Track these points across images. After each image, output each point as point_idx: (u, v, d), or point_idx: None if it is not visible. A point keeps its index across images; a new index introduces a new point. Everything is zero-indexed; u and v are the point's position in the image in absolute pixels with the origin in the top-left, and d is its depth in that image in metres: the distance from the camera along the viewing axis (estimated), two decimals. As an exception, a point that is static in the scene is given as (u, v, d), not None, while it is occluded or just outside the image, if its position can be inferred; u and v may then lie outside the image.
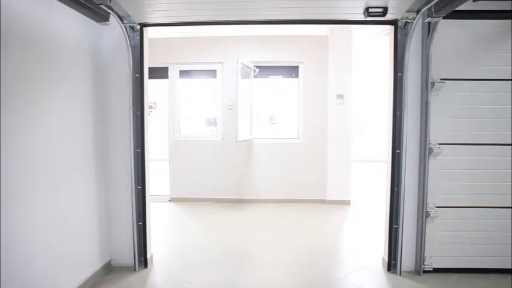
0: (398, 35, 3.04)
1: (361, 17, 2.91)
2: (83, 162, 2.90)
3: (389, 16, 2.90)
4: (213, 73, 5.78)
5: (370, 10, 2.78)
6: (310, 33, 5.55)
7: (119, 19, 2.89)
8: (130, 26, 3.07)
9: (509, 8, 2.88)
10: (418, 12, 2.82)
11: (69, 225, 2.69)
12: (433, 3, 2.57)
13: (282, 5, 2.86)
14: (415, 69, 3.06)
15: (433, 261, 3.12)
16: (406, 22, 2.96)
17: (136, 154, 3.17)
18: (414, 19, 2.88)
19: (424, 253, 3.11)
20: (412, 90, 3.06)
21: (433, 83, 3.00)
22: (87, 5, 2.50)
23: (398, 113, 3.09)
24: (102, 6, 2.58)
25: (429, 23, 2.88)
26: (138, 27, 3.11)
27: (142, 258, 3.28)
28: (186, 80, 5.95)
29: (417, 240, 3.14)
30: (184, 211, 5.32)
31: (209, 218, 4.99)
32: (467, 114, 3.06)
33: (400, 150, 3.09)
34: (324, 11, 2.98)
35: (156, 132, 7.17)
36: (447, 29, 2.96)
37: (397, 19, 3.00)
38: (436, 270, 3.11)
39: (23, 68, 2.16)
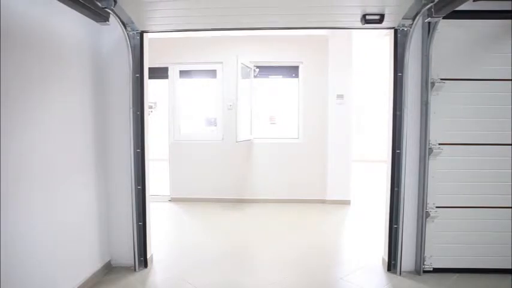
0: (398, 35, 3.04)
1: (359, 25, 2.93)
2: (83, 162, 2.90)
3: (386, 24, 2.92)
4: (213, 73, 5.78)
5: (367, 18, 2.81)
6: (310, 33, 5.55)
7: (122, 25, 2.92)
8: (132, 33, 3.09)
9: (509, 8, 2.89)
10: (414, 19, 2.84)
11: (69, 225, 2.69)
12: (427, 7, 2.58)
13: (279, 12, 2.89)
14: (415, 69, 3.06)
15: (433, 261, 3.12)
16: (403, 29, 2.99)
17: (136, 154, 3.17)
18: (411, 26, 2.90)
19: (424, 253, 3.11)
20: (412, 90, 3.06)
21: (433, 83, 3.00)
22: (90, 7, 2.51)
23: (398, 113, 3.09)
24: (107, 9, 2.61)
25: (429, 23, 2.89)
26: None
27: (142, 258, 3.28)
28: (186, 80, 5.95)
29: (417, 240, 3.14)
30: (184, 211, 5.32)
31: (209, 218, 4.99)
32: (467, 114, 3.06)
33: (400, 150, 3.09)
34: (321, 18, 3.01)
35: (156, 132, 7.17)
36: (447, 29, 2.96)
37: (393, 27, 3.02)
38: (436, 270, 3.12)
39: (23, 68, 2.16)
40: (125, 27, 2.98)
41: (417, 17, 2.79)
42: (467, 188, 3.09)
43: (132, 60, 3.08)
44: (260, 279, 3.13)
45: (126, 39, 3.00)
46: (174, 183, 5.81)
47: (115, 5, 2.60)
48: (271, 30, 3.35)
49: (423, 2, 2.58)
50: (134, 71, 3.12)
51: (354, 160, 5.74)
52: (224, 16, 2.96)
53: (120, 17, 2.86)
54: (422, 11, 2.69)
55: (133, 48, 3.10)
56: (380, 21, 2.83)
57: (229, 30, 3.24)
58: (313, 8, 2.83)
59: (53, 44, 2.48)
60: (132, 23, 3.00)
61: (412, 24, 2.88)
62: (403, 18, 2.90)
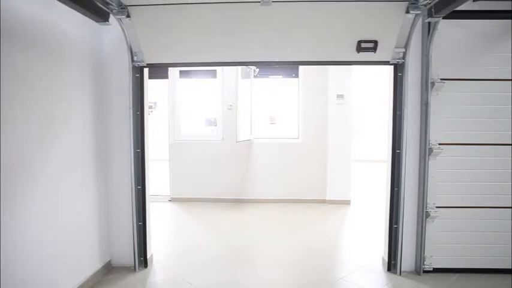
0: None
1: (355, 54, 2.97)
2: (83, 162, 2.90)
3: (379, 56, 2.97)
4: (213, 73, 5.77)
5: (362, 45, 2.87)
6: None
7: (129, 53, 2.99)
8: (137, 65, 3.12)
9: (509, 8, 2.89)
10: (406, 47, 2.92)
11: (69, 225, 2.69)
12: (418, 24, 2.65)
13: (278, 48, 3.02)
14: (415, 69, 3.06)
15: (433, 261, 3.12)
16: (398, 62, 3.02)
17: (136, 154, 3.17)
18: (404, 57, 2.94)
19: (424, 253, 3.11)
20: (412, 90, 3.06)
21: (433, 83, 2.99)
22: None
23: (398, 113, 3.09)
24: (116, 18, 2.67)
25: (429, 23, 2.89)
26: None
27: (142, 258, 3.28)
28: (186, 80, 5.95)
29: (417, 240, 3.14)
30: (184, 211, 5.32)
31: (209, 218, 4.98)
32: (467, 114, 3.06)
33: (400, 150, 3.09)
34: (319, 50, 3.06)
35: (156, 132, 7.16)
36: (447, 29, 2.96)
37: (388, 61, 3.04)
38: (436, 270, 3.12)
39: (22, 68, 2.16)
40: (132, 58, 3.03)
41: (409, 43, 2.88)
42: (467, 188, 3.09)
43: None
44: (260, 279, 3.13)
45: (126, 38, 3.00)
46: (174, 183, 5.81)
47: (128, 16, 2.62)
48: (267, 65, 3.48)
49: (412, 13, 2.65)
50: (134, 71, 3.12)
51: (353, 160, 5.74)
52: (225, 51, 3.10)
53: (130, 42, 2.91)
54: (414, 32, 2.79)
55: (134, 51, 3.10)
56: (374, 49, 2.90)
57: (227, 66, 3.36)
58: (312, 37, 2.92)
59: (52, 44, 2.48)
60: (141, 51, 3.02)
61: (405, 52, 2.94)
62: (396, 47, 2.93)
